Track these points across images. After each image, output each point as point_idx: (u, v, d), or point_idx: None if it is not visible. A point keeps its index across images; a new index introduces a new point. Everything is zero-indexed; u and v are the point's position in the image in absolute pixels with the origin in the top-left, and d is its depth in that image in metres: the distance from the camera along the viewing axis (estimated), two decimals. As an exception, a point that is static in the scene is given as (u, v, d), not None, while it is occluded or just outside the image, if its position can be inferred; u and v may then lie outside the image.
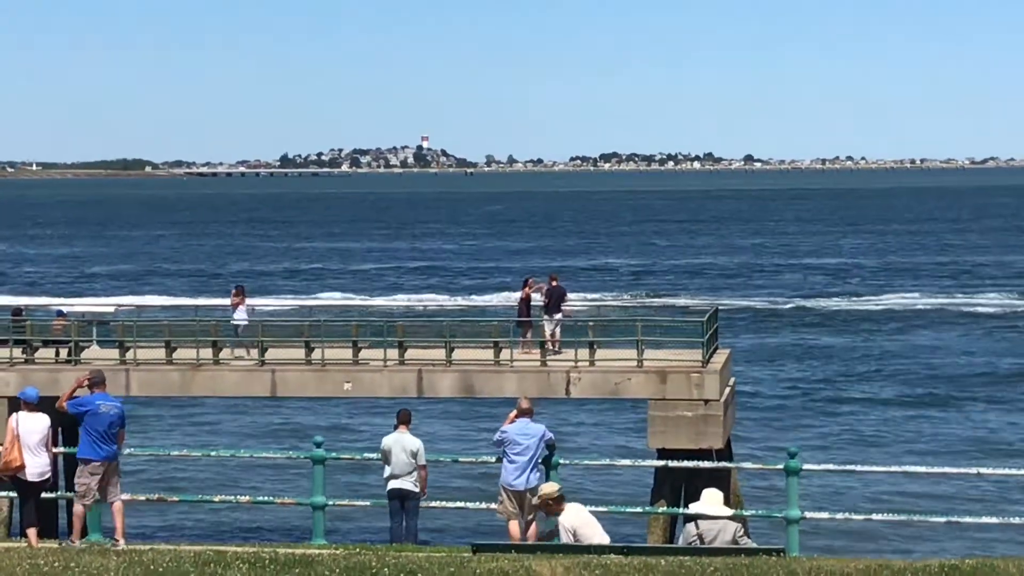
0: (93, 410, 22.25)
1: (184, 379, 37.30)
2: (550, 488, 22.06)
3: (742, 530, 21.01)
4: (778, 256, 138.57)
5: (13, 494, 23.28)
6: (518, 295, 42.34)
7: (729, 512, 21.44)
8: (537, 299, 40.35)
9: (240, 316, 39.94)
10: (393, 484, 25.32)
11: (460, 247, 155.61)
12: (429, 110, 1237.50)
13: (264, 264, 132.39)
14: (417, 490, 25.38)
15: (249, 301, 41.91)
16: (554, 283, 39.90)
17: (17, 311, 42.17)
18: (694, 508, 21.31)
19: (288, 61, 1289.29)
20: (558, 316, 38.96)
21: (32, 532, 22.32)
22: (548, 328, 38.67)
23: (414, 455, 25.27)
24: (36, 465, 22.21)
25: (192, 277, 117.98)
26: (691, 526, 20.82)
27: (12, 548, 21.48)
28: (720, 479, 33.81)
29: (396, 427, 25.54)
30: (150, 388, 37.93)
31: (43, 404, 22.73)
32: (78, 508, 22.74)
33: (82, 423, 22.38)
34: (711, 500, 20.99)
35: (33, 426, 22.17)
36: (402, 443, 25.28)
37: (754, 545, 20.83)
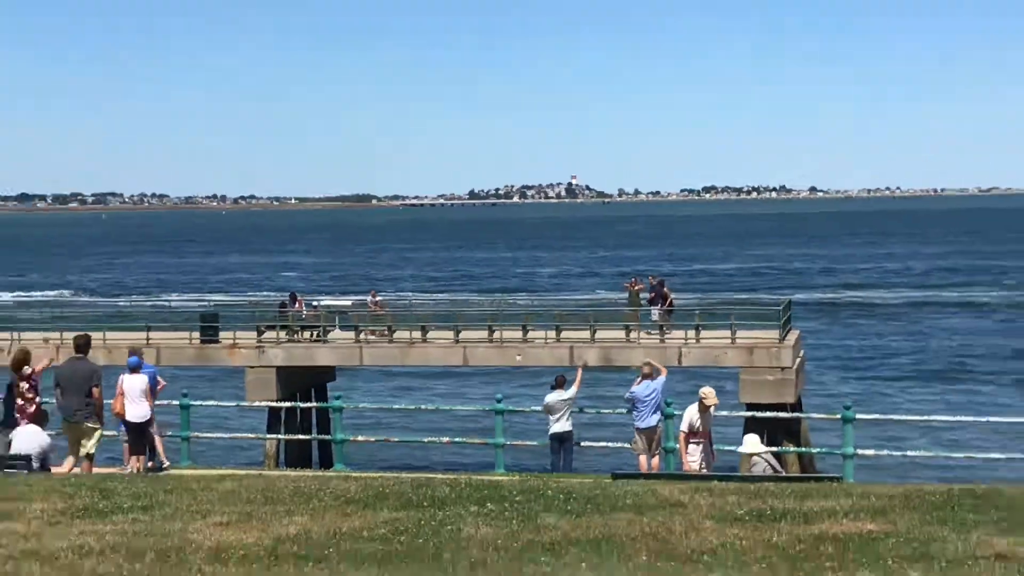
0: None
1: (402, 353, 37.75)
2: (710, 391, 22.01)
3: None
4: (843, 261, 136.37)
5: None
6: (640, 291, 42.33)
7: (765, 448, 20.92)
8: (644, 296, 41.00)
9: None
10: (554, 429, 25.37)
11: (598, 255, 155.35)
12: (578, 153, 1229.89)
13: (463, 267, 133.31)
14: (572, 430, 25.36)
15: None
16: (654, 283, 40.67)
17: (282, 304, 42.93)
18: (743, 450, 20.74)
19: (477, 114, 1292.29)
20: (660, 308, 39.17)
21: (134, 459, 22.26)
22: (655, 315, 38.88)
23: (569, 400, 25.24)
24: (136, 411, 22.12)
25: (414, 278, 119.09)
26: (761, 461, 20.31)
27: (283, 475, 21.82)
28: (792, 425, 33.59)
29: (554, 388, 25.62)
30: (377, 360, 38.43)
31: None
32: None
33: None
34: (754, 442, 20.44)
35: (133, 384, 22.13)
36: (560, 397, 25.36)
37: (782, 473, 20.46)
